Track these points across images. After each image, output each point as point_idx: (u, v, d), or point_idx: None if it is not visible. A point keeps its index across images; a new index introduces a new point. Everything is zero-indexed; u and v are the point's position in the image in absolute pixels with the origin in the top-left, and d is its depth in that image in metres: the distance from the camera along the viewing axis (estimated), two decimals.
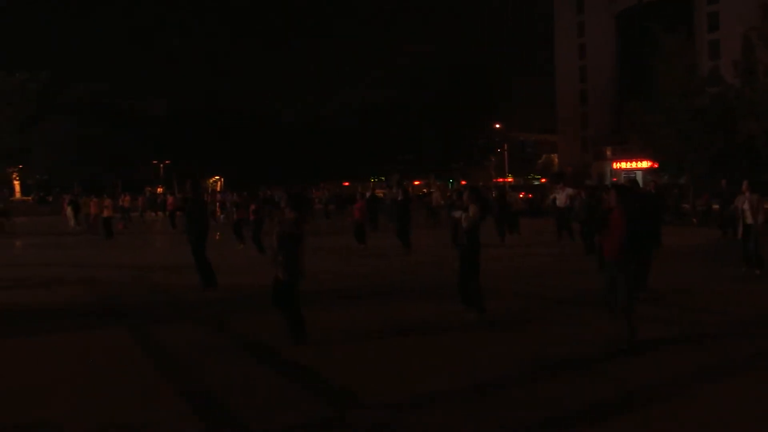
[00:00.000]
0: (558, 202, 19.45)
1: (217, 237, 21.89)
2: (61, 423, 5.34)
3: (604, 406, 5.56)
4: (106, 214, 24.25)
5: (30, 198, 70.57)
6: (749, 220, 12.27)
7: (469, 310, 9.05)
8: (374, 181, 75.35)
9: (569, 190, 19.16)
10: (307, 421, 5.28)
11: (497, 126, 70.74)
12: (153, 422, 5.30)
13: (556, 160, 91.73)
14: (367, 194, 25.90)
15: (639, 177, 37.84)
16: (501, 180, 68.67)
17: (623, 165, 68.07)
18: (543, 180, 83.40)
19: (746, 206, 12.34)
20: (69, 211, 31.02)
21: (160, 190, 56.46)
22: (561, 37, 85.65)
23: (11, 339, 8.34)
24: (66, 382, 6.41)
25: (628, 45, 74.54)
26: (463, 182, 70.28)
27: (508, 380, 6.28)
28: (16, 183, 74.53)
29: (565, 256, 16.14)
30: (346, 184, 71.97)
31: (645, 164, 55.05)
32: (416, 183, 69.26)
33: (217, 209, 33.82)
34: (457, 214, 8.98)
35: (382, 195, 40.52)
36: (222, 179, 70.95)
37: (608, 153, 72.59)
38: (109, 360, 7.18)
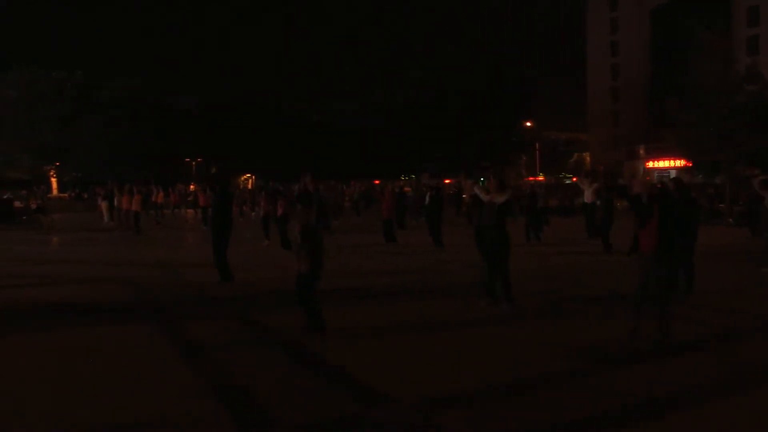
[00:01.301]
0: (585, 198, 19.29)
1: (247, 234, 22.06)
2: (91, 416, 5.42)
3: (629, 408, 5.48)
4: (134, 208, 24.55)
5: (66, 195, 71.96)
6: None
7: (497, 304, 9.12)
8: (405, 179, 75.25)
9: (595, 186, 18.97)
10: (334, 417, 5.31)
11: (528, 124, 70.18)
12: (184, 416, 5.37)
13: (588, 158, 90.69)
14: (396, 190, 25.87)
15: (672, 176, 37.19)
16: (532, 179, 68.14)
17: (656, 164, 67.06)
18: (574, 179, 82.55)
19: None
20: (104, 206, 31.55)
21: (192, 187, 57.08)
22: (593, 34, 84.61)
23: (44, 333, 8.50)
24: (98, 376, 6.52)
25: (663, 41, 73.32)
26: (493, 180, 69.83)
27: (537, 379, 6.22)
28: (54, 180, 76.09)
29: (594, 254, 15.97)
30: (377, 182, 72.02)
31: (679, 163, 54.17)
32: (447, 181, 68.97)
33: (247, 206, 34.08)
34: (486, 195, 9.09)
35: (408, 191, 40.45)
36: (253, 177, 71.53)
37: (641, 152, 71.57)
38: (140, 355, 7.29)
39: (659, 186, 9.08)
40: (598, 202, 17.55)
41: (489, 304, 9.28)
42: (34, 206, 32.90)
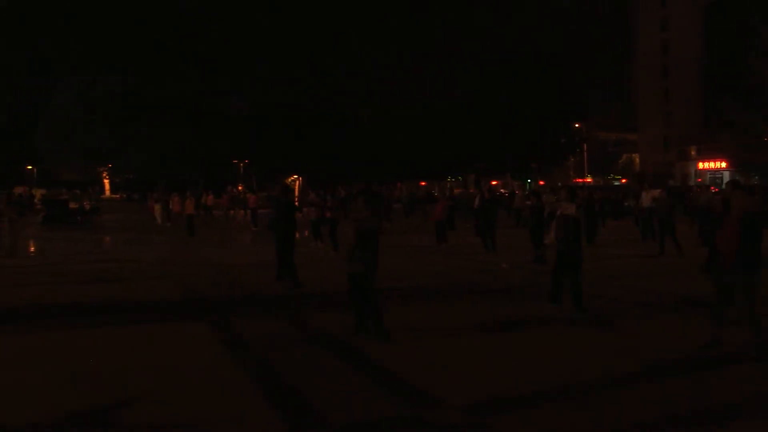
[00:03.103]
0: (642, 203, 19.21)
1: (296, 236, 22.21)
2: (137, 414, 5.46)
3: (692, 417, 5.29)
4: (188, 211, 24.97)
5: (118, 196, 73.79)
6: None
7: (559, 309, 9.01)
8: (451, 180, 74.89)
9: (654, 192, 18.94)
10: (384, 419, 5.26)
11: (577, 125, 69.17)
12: (232, 415, 5.37)
13: (638, 159, 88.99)
14: (447, 192, 25.81)
15: (726, 178, 36.16)
16: (581, 180, 67.10)
17: (709, 165, 65.39)
18: (624, 180, 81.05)
19: None
20: (158, 208, 32.23)
21: (240, 188, 57.85)
22: (643, 33, 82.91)
23: (99, 329, 8.65)
24: (149, 371, 6.60)
25: (718, 39, 71.41)
26: (542, 182, 69.08)
27: (593, 384, 6.06)
28: (106, 182, 78.10)
29: (650, 259, 15.64)
30: (423, 183, 71.86)
31: (722, 165, 52.72)
32: (493, 183, 68.48)
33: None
34: (562, 210, 9.03)
35: (457, 194, 40.29)
36: (301, 178, 72.13)
37: (693, 152, 69.89)
38: (189, 354, 7.36)
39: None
40: (655, 206, 17.36)
41: (551, 307, 9.15)
42: (88, 207, 33.76)
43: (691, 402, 5.53)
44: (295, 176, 71.49)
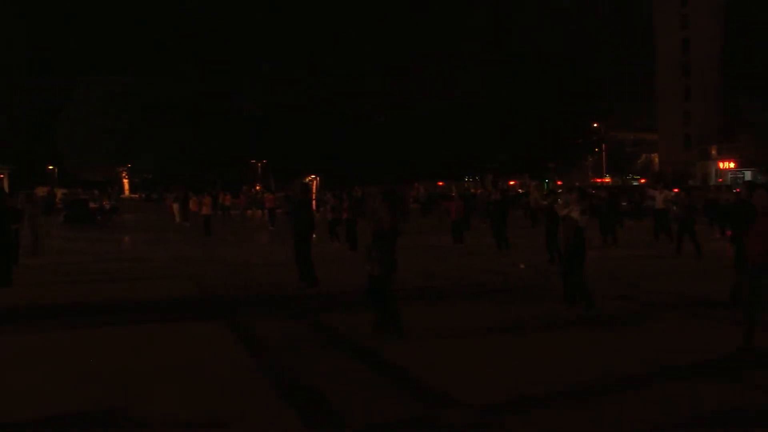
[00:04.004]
0: (656, 204, 19.07)
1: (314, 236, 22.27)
2: (156, 412, 5.50)
3: (710, 420, 5.24)
4: (204, 211, 25.10)
5: (137, 196, 74.46)
6: None
7: (574, 309, 9.00)
8: (469, 180, 74.69)
9: (667, 193, 18.85)
10: (402, 419, 5.26)
11: (595, 125, 68.70)
12: (251, 414, 5.40)
13: (657, 159, 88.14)
14: (463, 192, 25.76)
15: (747, 178, 35.76)
16: (599, 180, 66.65)
17: (730, 165, 64.61)
18: (642, 180, 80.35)
19: None
20: (176, 207, 32.47)
21: (258, 188, 58.15)
22: (663, 31, 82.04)
23: (119, 328, 8.73)
24: (166, 370, 6.65)
25: (739, 37, 70.49)
26: (559, 182, 68.66)
27: (614, 385, 6.02)
28: (125, 181, 78.83)
29: (663, 259, 15.54)
30: (441, 183, 71.77)
31: (731, 164, 52.11)
32: (511, 183, 68.22)
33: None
34: (567, 212, 9.05)
35: (475, 194, 40.20)
36: (317, 178, 72.33)
37: (713, 152, 69.09)
38: (208, 353, 7.40)
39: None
40: (675, 208, 17.22)
41: (567, 308, 9.13)
42: (107, 206, 34.06)
43: (676, 411, 5.47)
44: (313, 176, 71.65)
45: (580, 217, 8.97)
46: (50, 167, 70.20)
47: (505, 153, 64.50)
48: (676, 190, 22.23)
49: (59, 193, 50.39)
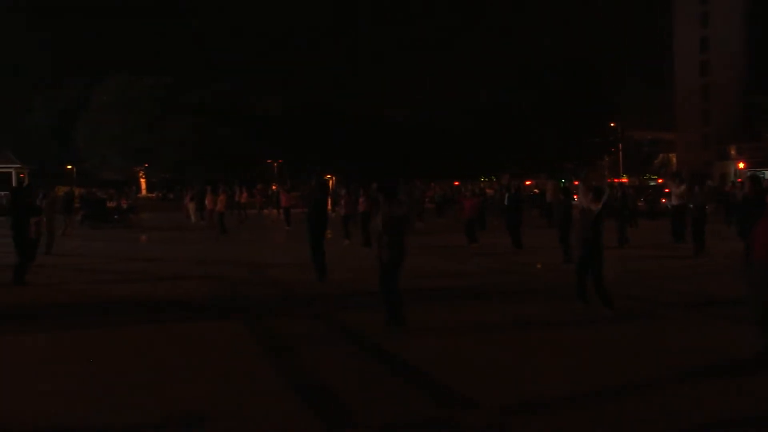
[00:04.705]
0: (672, 201, 18.54)
1: (329, 234, 22.31)
2: (174, 409, 5.51)
3: (728, 423, 5.16)
4: (219, 209, 25.12)
5: (154, 195, 74.89)
6: None
7: (589, 307, 8.95)
8: (485, 180, 74.49)
9: (683, 188, 18.07)
10: (417, 420, 5.24)
11: (612, 124, 68.18)
12: (267, 413, 5.40)
13: (674, 159, 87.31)
14: (477, 191, 25.65)
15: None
16: (616, 180, 66.09)
17: (749, 165, 63.85)
18: (660, 180, 79.63)
19: None
20: (191, 206, 32.56)
21: (274, 187, 58.32)
22: (682, 29, 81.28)
23: (134, 327, 8.78)
24: (182, 369, 6.67)
25: (759, 36, 69.63)
26: (576, 182, 68.19)
27: (628, 387, 5.96)
28: (143, 181, 79.37)
29: (684, 258, 15.40)
30: (457, 183, 71.70)
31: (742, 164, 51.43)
32: (527, 183, 67.89)
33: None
34: (581, 206, 9.02)
35: (490, 193, 40.03)
36: (334, 177, 72.50)
37: (732, 152, 68.37)
38: (224, 352, 7.40)
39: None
40: (691, 205, 16.84)
41: (582, 307, 9.07)
42: (125, 206, 34.23)
43: (696, 414, 5.40)
44: (329, 175, 71.89)
45: (597, 205, 8.88)
46: (69, 167, 70.86)
47: (522, 153, 64.23)
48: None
49: (77, 191, 50.79)
